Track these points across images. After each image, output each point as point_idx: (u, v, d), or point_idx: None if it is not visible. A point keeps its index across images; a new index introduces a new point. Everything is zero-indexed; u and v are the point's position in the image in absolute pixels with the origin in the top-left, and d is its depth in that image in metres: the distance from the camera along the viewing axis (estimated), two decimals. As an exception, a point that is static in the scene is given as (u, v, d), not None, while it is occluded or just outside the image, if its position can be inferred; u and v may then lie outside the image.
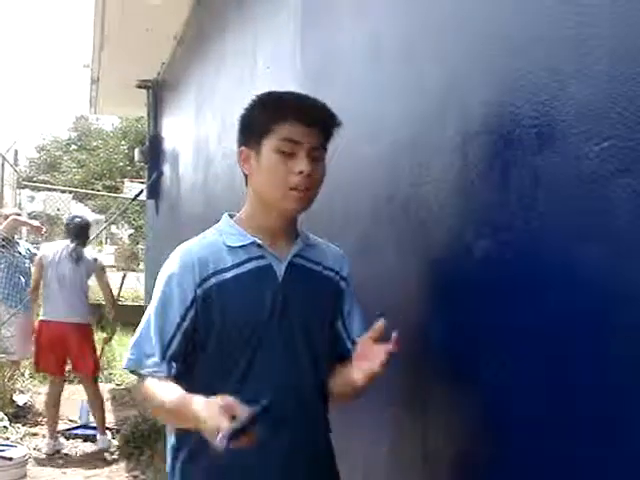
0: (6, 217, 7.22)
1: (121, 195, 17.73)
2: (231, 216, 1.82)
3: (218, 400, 1.44)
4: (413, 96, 1.89)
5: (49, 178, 28.58)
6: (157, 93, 8.21)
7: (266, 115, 1.69)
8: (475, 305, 1.58)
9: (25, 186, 16.55)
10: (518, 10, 1.42)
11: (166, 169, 7.61)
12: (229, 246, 1.73)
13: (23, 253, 7.14)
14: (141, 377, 1.73)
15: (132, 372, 1.80)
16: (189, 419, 1.53)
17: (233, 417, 1.39)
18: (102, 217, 22.02)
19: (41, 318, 5.92)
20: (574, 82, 1.22)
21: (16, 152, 12.51)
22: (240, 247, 1.73)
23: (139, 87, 8.30)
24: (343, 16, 2.41)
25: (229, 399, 1.44)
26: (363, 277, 1.93)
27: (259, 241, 1.73)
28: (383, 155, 2.06)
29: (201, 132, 5.35)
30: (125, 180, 25.70)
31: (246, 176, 1.77)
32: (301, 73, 2.84)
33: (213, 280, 1.69)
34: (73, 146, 33.11)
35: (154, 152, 8.04)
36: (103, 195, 23.47)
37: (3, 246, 6.88)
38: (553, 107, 1.28)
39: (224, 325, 1.69)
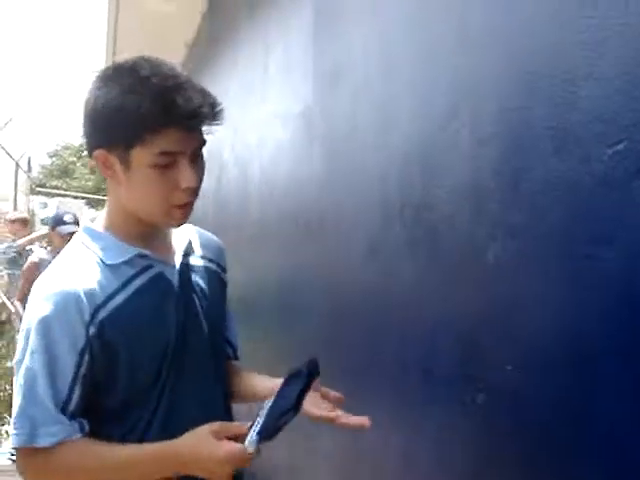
0: (12, 222, 7.38)
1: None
2: (89, 225, 1.51)
3: (204, 429, 1.30)
4: (426, 101, 1.89)
5: (61, 184, 28.72)
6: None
7: (135, 117, 1.31)
8: (487, 312, 1.58)
9: (38, 192, 16.64)
10: (531, 16, 1.42)
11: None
12: (109, 264, 1.42)
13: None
14: (34, 452, 1.34)
15: (19, 451, 1.38)
16: (175, 465, 1.32)
17: (232, 438, 1.27)
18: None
19: None
20: (587, 85, 1.22)
21: (29, 159, 12.61)
22: (123, 263, 1.43)
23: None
24: (355, 23, 2.42)
25: (214, 425, 1.30)
26: (374, 284, 1.93)
27: (144, 251, 1.44)
28: (394, 160, 2.06)
29: (212, 139, 5.36)
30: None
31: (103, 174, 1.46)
32: (313, 79, 2.85)
33: (103, 312, 1.37)
34: (85, 152, 33.27)
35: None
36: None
37: (20, 254, 7.07)
38: (566, 110, 1.28)
39: (132, 359, 1.40)
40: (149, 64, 1.37)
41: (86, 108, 1.39)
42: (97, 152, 1.40)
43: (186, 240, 1.56)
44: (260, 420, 1.26)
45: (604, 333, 1.20)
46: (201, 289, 1.54)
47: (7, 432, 5.79)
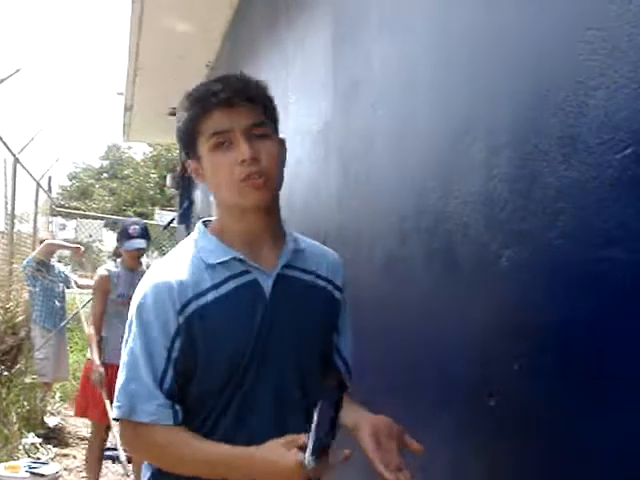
0: (41, 241, 7.39)
1: (152, 222, 17.94)
2: (207, 223, 1.63)
3: (277, 441, 1.39)
4: (440, 115, 1.93)
5: (81, 205, 28.95)
6: (189, 120, 8.33)
7: (187, 119, 1.52)
8: (500, 315, 1.62)
9: (58, 213, 16.78)
10: (543, 31, 1.47)
11: (197, 195, 7.71)
12: (208, 264, 1.52)
13: (57, 277, 7.27)
14: (134, 425, 1.50)
15: (121, 422, 1.53)
16: (247, 469, 1.42)
17: (300, 447, 1.34)
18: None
19: (93, 358, 4.81)
20: (596, 94, 1.27)
21: (50, 179, 12.70)
22: (220, 264, 1.52)
23: (171, 115, 8.42)
24: (373, 38, 2.47)
25: (283, 438, 1.39)
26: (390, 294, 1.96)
27: (240, 255, 1.52)
28: (410, 172, 2.11)
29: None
30: (156, 208, 25.93)
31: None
32: (333, 95, 2.90)
33: (193, 306, 1.48)
34: (105, 174, 33.53)
35: (186, 177, 8.16)
36: (134, 222, 23.68)
37: (39, 270, 7.01)
38: (576, 118, 1.32)
39: (210, 357, 1.50)
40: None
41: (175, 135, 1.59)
42: (187, 163, 1.60)
43: (292, 252, 1.59)
44: (312, 436, 1.33)
45: (618, 334, 1.23)
46: (296, 303, 1.57)
47: (25, 447, 5.83)
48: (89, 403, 5.03)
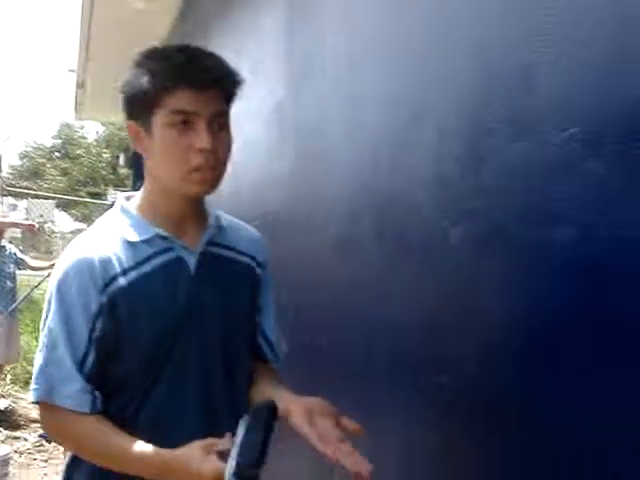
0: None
1: (106, 202, 17.71)
2: (129, 198, 1.56)
3: (196, 444, 1.32)
4: (392, 97, 1.94)
5: (32, 185, 28.49)
6: (142, 99, 8.24)
7: (150, 83, 1.40)
8: (454, 293, 1.64)
9: (8, 193, 16.50)
10: (490, 8, 1.48)
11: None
12: (130, 241, 1.47)
13: (9, 257, 7.16)
14: (51, 408, 1.43)
15: (40, 406, 1.47)
16: (162, 471, 1.35)
17: (221, 454, 1.28)
18: (84, 226, 22.00)
19: None
20: (541, 73, 1.28)
21: (0, 157, 12.45)
22: (142, 241, 1.47)
23: (124, 93, 8.32)
24: (328, 21, 2.47)
25: (204, 441, 1.32)
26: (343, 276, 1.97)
27: (163, 232, 1.48)
28: (363, 156, 2.11)
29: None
30: (109, 188, 25.66)
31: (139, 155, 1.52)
32: (286, 77, 2.89)
33: (116, 283, 1.43)
34: (57, 154, 33.01)
35: (139, 157, 8.07)
36: (88, 202, 23.39)
37: None
38: (522, 98, 1.34)
39: (134, 336, 1.44)
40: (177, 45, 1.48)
41: (122, 89, 1.48)
42: (128, 124, 1.48)
43: (215, 228, 1.56)
44: (232, 463, 1.24)
45: (561, 313, 1.26)
46: (221, 280, 1.54)
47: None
48: None
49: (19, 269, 7.42)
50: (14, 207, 23.71)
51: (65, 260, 1.46)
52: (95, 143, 31.56)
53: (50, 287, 1.47)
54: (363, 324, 2.09)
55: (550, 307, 1.28)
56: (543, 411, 1.29)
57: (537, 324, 1.32)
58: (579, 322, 1.21)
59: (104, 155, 29.52)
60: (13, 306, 6.93)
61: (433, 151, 1.69)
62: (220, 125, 1.45)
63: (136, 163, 8.11)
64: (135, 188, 6.72)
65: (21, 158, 33.14)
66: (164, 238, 1.48)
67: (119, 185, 23.89)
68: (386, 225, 1.95)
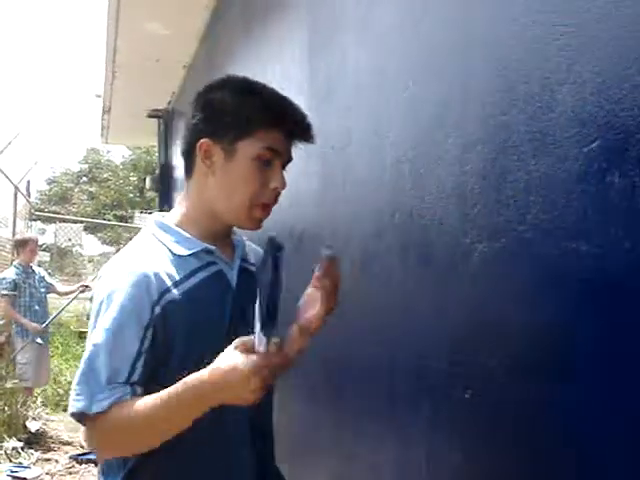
0: (21, 244, 7.33)
1: (133, 225, 17.85)
2: (163, 216, 1.61)
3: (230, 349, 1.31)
4: (414, 114, 1.96)
5: (60, 210, 28.80)
6: (167, 122, 8.34)
7: (250, 113, 1.48)
8: (478, 307, 1.64)
9: (37, 217, 16.69)
10: (510, 27, 1.50)
11: (177, 197, 7.70)
12: (177, 255, 1.51)
13: (38, 281, 7.25)
14: (93, 419, 1.41)
15: (77, 418, 1.44)
16: (203, 392, 1.32)
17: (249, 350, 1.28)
18: (112, 249, 22.18)
19: None
20: (562, 89, 1.30)
21: (28, 183, 12.61)
22: (190, 255, 1.51)
23: (150, 117, 8.42)
24: (349, 42, 2.49)
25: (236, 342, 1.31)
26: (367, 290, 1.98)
27: (210, 247, 1.53)
28: (385, 170, 2.13)
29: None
30: (136, 211, 25.87)
31: (190, 169, 1.57)
32: (309, 97, 2.92)
33: (169, 296, 1.46)
34: (84, 178, 33.37)
35: (165, 180, 8.15)
36: (114, 225, 23.58)
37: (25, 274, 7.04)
38: (544, 113, 1.35)
39: (184, 349, 1.46)
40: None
41: (197, 104, 1.55)
42: (202, 140, 1.51)
43: (242, 244, 1.63)
44: (257, 321, 1.27)
45: (585, 326, 1.26)
46: (252, 293, 1.52)
47: (6, 451, 5.81)
48: None
49: (48, 292, 7.51)
50: (43, 231, 23.98)
51: (114, 273, 1.48)
52: (121, 166, 31.87)
53: (98, 298, 1.48)
54: (386, 339, 2.10)
55: (573, 321, 1.29)
56: (567, 424, 1.29)
57: (560, 338, 1.32)
58: (600, 336, 1.21)
59: (131, 178, 29.80)
60: (43, 325, 7.04)
61: (456, 166, 1.70)
62: (285, 168, 1.55)
63: (162, 186, 8.19)
64: (161, 210, 6.75)
65: (49, 183, 33.52)
66: (210, 252, 1.53)
67: (146, 208, 24.08)
68: (410, 240, 1.96)
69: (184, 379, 1.34)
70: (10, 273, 7.10)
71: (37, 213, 16.75)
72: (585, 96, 1.24)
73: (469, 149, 1.64)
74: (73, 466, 5.94)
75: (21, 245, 7.33)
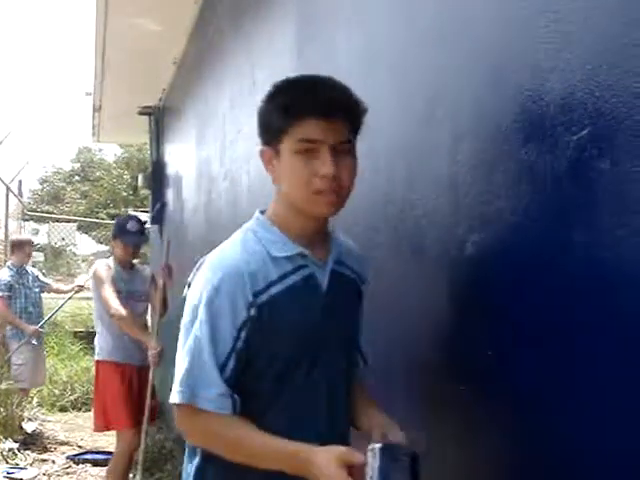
0: (17, 245, 7.29)
1: (125, 223, 17.81)
2: (262, 212, 1.65)
3: (334, 451, 1.40)
4: (406, 106, 1.95)
5: (52, 209, 28.72)
6: (159, 119, 8.30)
7: (278, 113, 1.52)
8: (473, 300, 1.64)
9: (30, 217, 16.65)
10: (500, 16, 1.49)
11: (169, 194, 7.68)
12: (274, 256, 1.55)
13: (32, 282, 7.21)
14: (192, 411, 1.52)
15: (180, 407, 1.54)
16: (296, 467, 1.44)
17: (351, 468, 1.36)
18: (105, 248, 22.15)
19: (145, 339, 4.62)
20: (552, 76, 1.29)
21: (20, 182, 12.58)
22: (284, 257, 1.56)
23: (141, 114, 8.38)
24: (338, 35, 2.49)
25: (342, 450, 1.41)
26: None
27: (305, 251, 1.56)
28: (380, 162, 2.12)
29: (202, 155, 5.42)
30: (129, 210, 25.80)
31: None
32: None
33: (264, 297, 1.52)
34: (76, 177, 33.26)
35: (157, 177, 8.12)
36: (108, 224, 23.52)
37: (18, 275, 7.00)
38: (535, 102, 1.34)
39: (274, 350, 1.54)
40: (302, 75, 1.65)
41: (258, 120, 1.61)
42: (262, 149, 1.60)
43: (339, 247, 1.66)
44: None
45: (578, 312, 1.26)
46: (344, 297, 1.64)
47: (2, 452, 5.80)
48: (110, 414, 4.68)
49: (42, 292, 7.48)
50: (36, 232, 23.90)
51: (213, 270, 1.54)
52: (114, 165, 31.77)
53: (195, 295, 1.55)
54: (381, 333, 2.09)
55: (568, 309, 1.28)
56: (568, 421, 1.29)
57: (557, 328, 1.32)
58: (596, 322, 1.20)
59: (124, 177, 29.71)
60: (38, 326, 7.02)
61: (448, 158, 1.69)
62: (344, 151, 1.52)
63: (154, 184, 8.15)
64: (154, 209, 6.71)
65: (41, 183, 33.41)
66: (303, 256, 1.57)
67: (139, 206, 24.00)
68: (402, 233, 1.96)
69: (287, 442, 1.45)
70: (4, 274, 7.05)
71: (30, 213, 16.71)
72: (574, 83, 1.23)
73: (460, 139, 1.63)
74: (70, 466, 5.93)
75: (17, 246, 7.30)
